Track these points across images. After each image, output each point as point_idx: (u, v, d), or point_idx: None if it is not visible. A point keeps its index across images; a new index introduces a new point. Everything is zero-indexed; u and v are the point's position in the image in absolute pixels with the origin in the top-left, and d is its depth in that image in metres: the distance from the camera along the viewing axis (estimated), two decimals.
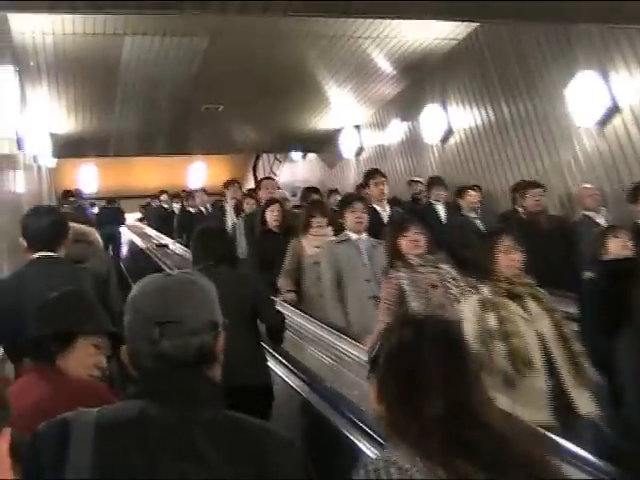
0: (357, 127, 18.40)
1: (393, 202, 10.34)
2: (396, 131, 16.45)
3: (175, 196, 18.48)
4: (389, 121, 16.78)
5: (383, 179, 8.88)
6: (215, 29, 12.36)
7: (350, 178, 19.07)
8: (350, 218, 7.11)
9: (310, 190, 12.99)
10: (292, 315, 6.68)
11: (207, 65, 13.80)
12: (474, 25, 12.86)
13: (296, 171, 23.38)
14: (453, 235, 9.34)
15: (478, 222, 10.27)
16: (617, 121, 10.26)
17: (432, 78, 14.59)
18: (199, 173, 27.07)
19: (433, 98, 14.55)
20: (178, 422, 1.99)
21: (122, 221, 19.50)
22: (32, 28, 11.57)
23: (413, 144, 15.76)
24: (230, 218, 12.05)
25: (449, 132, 14.32)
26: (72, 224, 4.97)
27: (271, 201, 9.04)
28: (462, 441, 2.07)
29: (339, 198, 12.37)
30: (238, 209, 11.53)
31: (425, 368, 2.20)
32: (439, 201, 11.25)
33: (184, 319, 2.07)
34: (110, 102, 15.50)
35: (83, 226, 5.94)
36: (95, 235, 6.07)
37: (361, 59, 14.37)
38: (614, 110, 10.23)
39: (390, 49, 13.82)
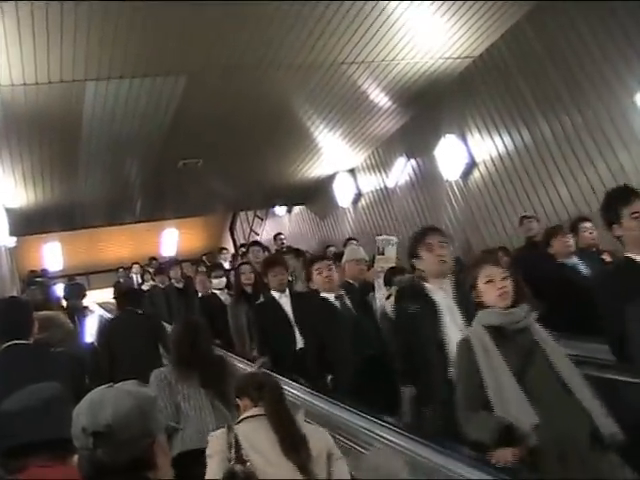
0: (352, 171, 16.52)
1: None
2: (402, 170, 14.51)
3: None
4: (391, 160, 14.89)
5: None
6: (194, 66, 10.41)
7: (346, 229, 17.17)
8: None
9: None
10: None
11: (184, 112, 11.85)
12: (493, 38, 11.05)
13: (281, 227, 21.35)
14: None
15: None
16: None
17: (445, 105, 12.69)
18: (172, 239, 25.02)
19: (449, 128, 12.63)
20: None
21: (82, 296, 18.10)
22: None
23: (426, 182, 13.86)
24: None
25: (471, 165, 12.40)
26: (39, 313, 5.19)
27: None
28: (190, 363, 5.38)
29: None
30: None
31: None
32: None
33: (114, 430, 2.18)
34: (73, 166, 13.47)
35: (49, 312, 6.16)
36: (63, 318, 6.23)
37: (355, 92, 12.50)
38: None
39: (390, 76, 11.95)
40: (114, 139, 12.43)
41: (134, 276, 18.14)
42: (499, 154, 11.79)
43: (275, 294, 7.35)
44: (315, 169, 16.38)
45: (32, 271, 18.15)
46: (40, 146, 12.16)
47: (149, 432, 2.28)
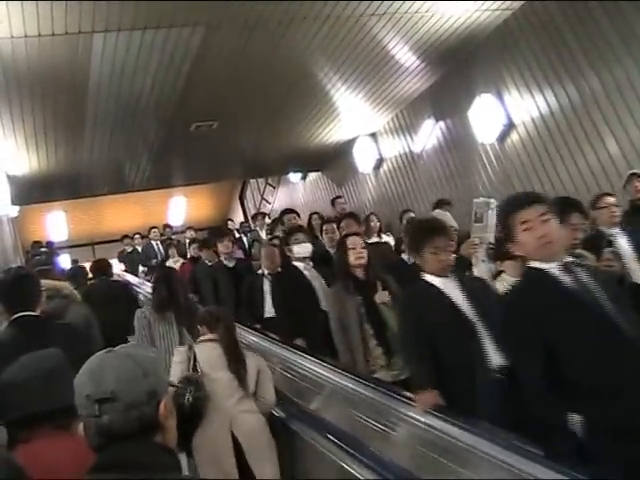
0: (373, 135, 15.61)
1: None
2: (429, 133, 13.58)
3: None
4: (418, 122, 13.99)
5: None
6: (212, 19, 9.55)
7: (366, 196, 16.33)
8: None
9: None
10: None
11: (199, 70, 10.96)
12: None
13: (295, 195, 20.52)
14: None
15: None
16: None
17: (480, 62, 11.77)
18: (180, 208, 24.18)
19: (485, 86, 11.72)
20: None
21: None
22: None
23: (456, 146, 12.98)
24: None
25: (509, 126, 11.50)
26: (45, 281, 5.26)
27: None
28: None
29: None
30: None
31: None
32: None
33: (119, 395, 2.16)
34: (79, 128, 12.56)
35: (55, 282, 6.22)
36: (69, 288, 6.37)
37: (380, 49, 11.57)
38: None
39: (418, 30, 11.01)
40: (124, 99, 11.53)
41: (154, 243, 16.53)
42: (541, 114, 10.87)
43: (435, 280, 4.62)
44: (334, 133, 15.48)
45: (36, 242, 17.35)
46: (43, 107, 11.25)
47: (154, 394, 2.24)
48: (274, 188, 22.27)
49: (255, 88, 12.16)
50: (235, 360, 5.24)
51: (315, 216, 12.04)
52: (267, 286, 8.35)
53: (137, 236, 17.32)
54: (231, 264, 9.91)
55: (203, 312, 5.84)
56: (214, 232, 11.35)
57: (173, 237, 17.31)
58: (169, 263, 13.89)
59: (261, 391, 5.29)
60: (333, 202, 13.33)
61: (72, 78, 10.42)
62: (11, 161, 13.38)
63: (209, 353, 5.28)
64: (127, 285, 10.55)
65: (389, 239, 11.03)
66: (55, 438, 2.96)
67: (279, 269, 8.34)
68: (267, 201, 22.62)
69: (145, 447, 2.20)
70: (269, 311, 8.24)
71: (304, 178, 19.91)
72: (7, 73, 9.78)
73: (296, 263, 8.01)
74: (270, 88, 12.35)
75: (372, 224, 11.00)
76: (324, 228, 8.77)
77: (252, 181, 23.56)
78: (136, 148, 14.29)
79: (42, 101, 11.05)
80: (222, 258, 9.97)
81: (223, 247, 9.90)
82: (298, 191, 20.46)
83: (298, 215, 10.24)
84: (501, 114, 11.54)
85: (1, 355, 3.92)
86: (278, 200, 21.86)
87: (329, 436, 4.80)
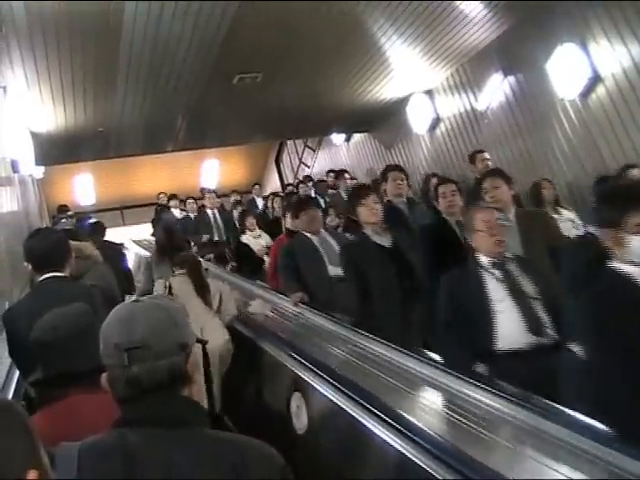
0: (429, 92, 14.36)
1: None
2: (496, 89, 12.30)
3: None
4: (482, 78, 12.70)
5: None
6: None
7: (419, 158, 15.11)
8: None
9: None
10: None
11: (245, 16, 9.83)
12: None
13: (337, 158, 19.31)
14: None
15: None
16: None
17: (561, 7, 10.41)
18: (213, 171, 23.07)
19: (567, 35, 10.42)
20: (157, 446, 2.02)
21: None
22: None
23: (529, 103, 11.69)
24: None
25: (595, 79, 10.23)
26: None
27: None
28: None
29: None
30: None
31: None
32: None
33: (150, 344, 2.10)
34: (110, 82, 11.42)
35: (77, 242, 6.04)
36: (91, 249, 6.30)
37: None
38: None
39: None
40: (161, 46, 10.36)
41: (209, 212, 13.87)
42: (635, 64, 9.57)
43: None
44: (385, 90, 14.25)
45: (62, 206, 16.33)
46: (71, 55, 10.10)
47: (185, 345, 2.16)
48: (314, 151, 21.07)
49: (303, 38, 11.12)
50: (201, 288, 6.88)
51: (434, 180, 9.69)
52: (492, 288, 4.65)
53: (190, 201, 14.76)
54: (386, 243, 6.11)
55: (176, 257, 7.39)
56: (354, 192, 6.95)
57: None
58: (245, 238, 11.67)
59: (224, 305, 6.93)
60: (473, 157, 10.46)
61: (104, 23, 9.29)
62: (35, 116, 12.28)
63: (181, 284, 6.92)
64: (118, 244, 11.09)
65: (571, 215, 8.25)
66: (90, 396, 2.90)
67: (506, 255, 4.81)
68: (306, 165, 21.47)
69: (174, 400, 2.12)
70: (507, 341, 4.53)
71: (348, 140, 18.69)
72: (31, 16, 8.65)
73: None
74: (320, 40, 11.27)
75: (545, 192, 8.46)
76: (440, 191, 6.50)
77: (289, 143, 22.38)
78: (172, 103, 13.10)
79: (70, 49, 9.93)
80: (367, 232, 6.16)
81: (368, 213, 6.12)
82: (340, 154, 19.25)
83: (405, 173, 7.50)
84: (586, 66, 10.27)
85: (28, 315, 3.94)
86: (318, 164, 20.69)
87: None
